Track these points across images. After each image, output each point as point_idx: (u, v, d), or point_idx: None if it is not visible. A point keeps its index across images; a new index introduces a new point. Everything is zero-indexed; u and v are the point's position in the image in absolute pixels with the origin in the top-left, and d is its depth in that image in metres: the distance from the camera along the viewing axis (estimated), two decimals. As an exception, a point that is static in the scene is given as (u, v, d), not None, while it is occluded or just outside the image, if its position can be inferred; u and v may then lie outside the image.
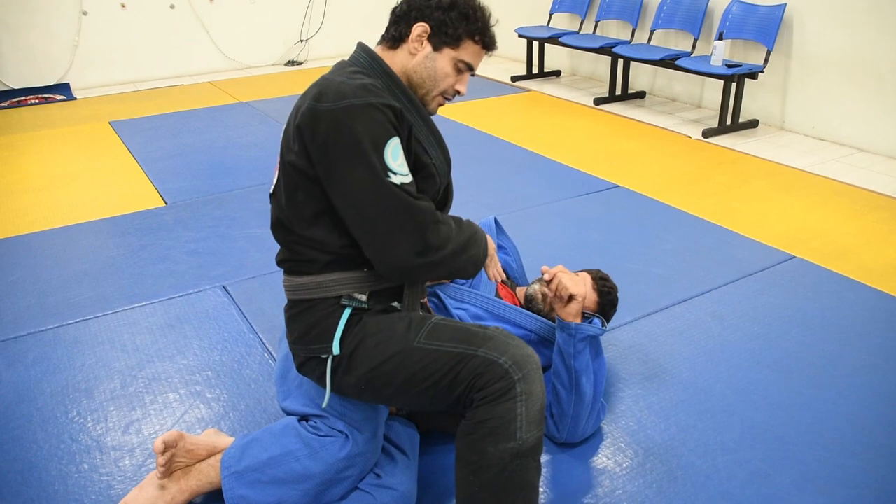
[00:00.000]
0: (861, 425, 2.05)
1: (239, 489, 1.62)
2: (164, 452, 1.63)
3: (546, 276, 1.93)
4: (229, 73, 6.76)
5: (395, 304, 1.62)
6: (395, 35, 1.58)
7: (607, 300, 2.17)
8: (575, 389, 1.88)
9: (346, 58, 1.63)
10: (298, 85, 6.08)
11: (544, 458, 1.90)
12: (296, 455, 1.60)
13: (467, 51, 1.58)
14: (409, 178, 1.46)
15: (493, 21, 1.61)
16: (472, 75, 1.64)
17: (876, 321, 2.57)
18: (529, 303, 2.16)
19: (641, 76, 5.77)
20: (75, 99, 5.90)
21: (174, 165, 4.21)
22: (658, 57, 5.01)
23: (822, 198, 3.68)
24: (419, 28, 1.55)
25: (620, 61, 5.47)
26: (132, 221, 3.44)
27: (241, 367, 2.32)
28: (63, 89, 6.07)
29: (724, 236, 3.24)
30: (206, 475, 1.70)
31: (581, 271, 2.21)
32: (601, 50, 5.49)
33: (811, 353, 2.38)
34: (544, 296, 2.13)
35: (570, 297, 1.89)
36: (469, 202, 3.53)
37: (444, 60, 1.57)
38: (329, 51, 7.24)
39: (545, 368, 1.93)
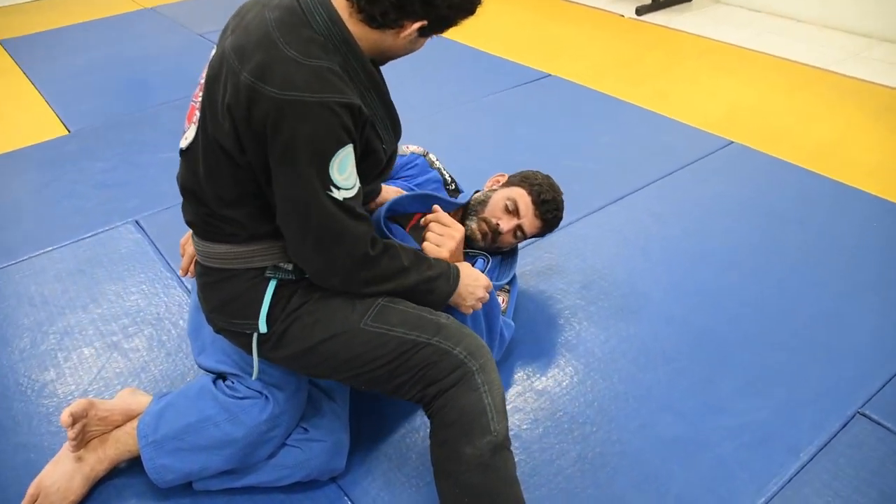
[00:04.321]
0: (800, 319, 2.03)
1: (159, 459, 1.52)
2: (73, 426, 1.51)
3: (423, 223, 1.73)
4: (131, -25, 6.23)
5: None
6: (380, 20, 1.30)
7: (552, 224, 2.03)
8: None
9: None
10: (207, -17, 5.64)
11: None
12: (214, 420, 1.50)
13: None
14: (353, 192, 1.29)
15: None
16: None
17: (813, 207, 2.53)
18: (470, 243, 1.97)
19: (570, -49, 5.48)
20: (-39, 15, 5.39)
21: (76, 86, 3.87)
22: (585, -70, 4.74)
23: (757, 75, 3.58)
24: (419, 24, 1.32)
25: (547, -64, 5.17)
26: (31, 155, 3.17)
27: (160, 310, 2.18)
28: (-54, 5, 5.53)
29: (661, 124, 3.14)
30: (123, 443, 1.59)
31: (521, 182, 2.01)
32: (526, -75, 5.17)
33: (749, 246, 2.34)
34: (483, 234, 1.95)
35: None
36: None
37: (423, 41, 1.41)
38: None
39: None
